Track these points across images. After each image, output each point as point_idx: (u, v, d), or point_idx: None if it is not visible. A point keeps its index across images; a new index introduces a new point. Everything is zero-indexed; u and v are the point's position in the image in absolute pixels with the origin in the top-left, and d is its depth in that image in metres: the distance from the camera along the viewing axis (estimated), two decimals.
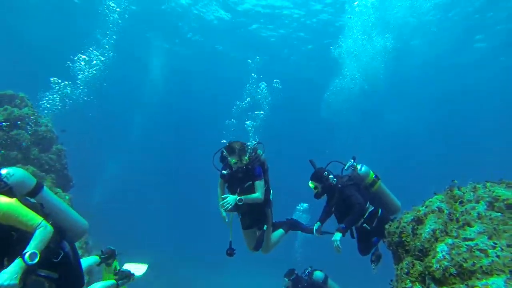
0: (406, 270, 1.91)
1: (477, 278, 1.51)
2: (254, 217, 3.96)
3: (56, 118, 7.35)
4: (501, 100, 19.26)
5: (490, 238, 1.69)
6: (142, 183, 27.11)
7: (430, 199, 2.37)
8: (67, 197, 6.38)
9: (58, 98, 7.11)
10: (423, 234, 1.98)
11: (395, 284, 2.03)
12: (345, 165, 3.90)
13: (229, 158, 3.60)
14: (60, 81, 7.24)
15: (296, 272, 5.13)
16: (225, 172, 3.75)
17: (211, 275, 14.87)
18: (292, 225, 4.45)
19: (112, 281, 2.90)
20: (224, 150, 3.68)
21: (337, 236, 3.48)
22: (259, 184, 3.71)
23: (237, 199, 3.56)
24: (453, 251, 1.71)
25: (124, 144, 26.05)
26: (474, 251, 1.65)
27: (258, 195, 3.67)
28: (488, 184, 2.28)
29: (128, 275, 3.19)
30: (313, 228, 4.23)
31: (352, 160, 3.92)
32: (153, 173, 28.20)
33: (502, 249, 1.58)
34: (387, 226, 2.45)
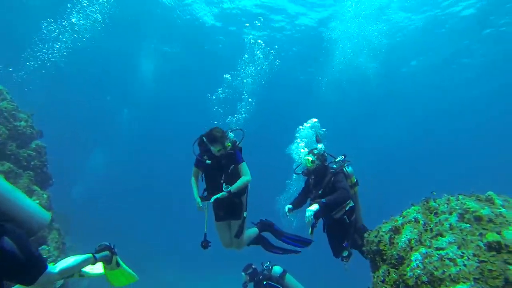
0: (382, 278, 2.00)
1: (446, 286, 1.61)
2: (229, 207, 3.78)
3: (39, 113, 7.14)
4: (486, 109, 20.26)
5: (459, 248, 1.81)
6: (125, 180, 26.57)
7: (408, 210, 2.49)
8: (45, 195, 6.17)
9: None
10: (399, 244, 2.09)
11: None
12: (336, 159, 3.99)
13: (212, 148, 3.50)
14: None
15: (253, 266, 5.13)
16: (209, 161, 3.63)
17: (188, 274, 14.70)
18: (265, 225, 4.37)
19: (88, 255, 2.59)
20: (204, 138, 3.55)
21: (315, 208, 3.36)
22: (244, 166, 3.66)
23: (227, 191, 3.45)
24: (426, 260, 1.81)
25: (109, 140, 25.53)
26: (444, 260, 1.76)
27: (246, 177, 3.62)
28: (460, 196, 2.43)
29: (108, 248, 2.77)
30: (282, 231, 4.25)
31: (343, 157, 4.04)
32: (137, 170, 27.71)
33: (468, 258, 1.69)
34: (366, 235, 2.55)
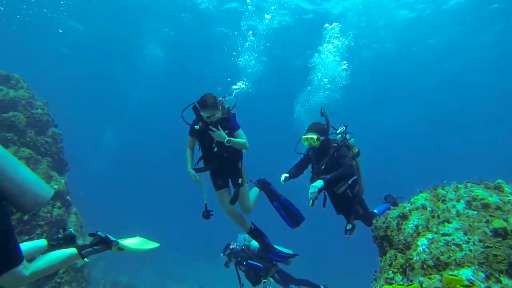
0: (389, 262, 2.08)
1: (451, 270, 1.68)
2: (227, 174, 3.78)
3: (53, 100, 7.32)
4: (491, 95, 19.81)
5: (465, 234, 1.86)
6: (136, 159, 27.14)
7: (415, 197, 2.54)
8: (62, 180, 6.42)
9: None
10: (406, 229, 2.15)
11: (378, 275, 2.21)
12: (337, 130, 3.97)
13: (202, 113, 3.38)
14: None
15: (231, 246, 5.09)
16: (197, 126, 3.51)
17: (199, 263, 15.20)
18: (264, 184, 4.33)
19: (71, 251, 2.28)
20: (196, 103, 3.45)
21: (318, 183, 3.32)
22: (241, 132, 3.57)
23: (226, 139, 3.35)
24: (432, 245, 1.88)
25: (120, 120, 25.90)
26: (450, 245, 1.82)
27: (244, 141, 3.54)
28: (468, 184, 2.46)
29: (102, 241, 2.45)
30: (278, 194, 4.19)
31: (344, 127, 4.02)
32: (148, 150, 28.27)
33: (474, 244, 1.75)
34: (374, 221, 2.63)
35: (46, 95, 7.14)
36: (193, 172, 3.59)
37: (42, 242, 2.47)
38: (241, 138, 3.58)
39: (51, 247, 2.43)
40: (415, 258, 1.89)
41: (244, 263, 4.92)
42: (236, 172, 3.77)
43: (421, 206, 2.33)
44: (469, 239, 1.80)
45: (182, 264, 14.41)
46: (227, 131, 3.50)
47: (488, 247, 1.70)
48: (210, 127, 3.39)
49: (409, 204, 2.49)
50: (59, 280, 5.38)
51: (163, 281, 13.06)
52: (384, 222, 2.46)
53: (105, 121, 25.50)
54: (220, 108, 3.49)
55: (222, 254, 5.12)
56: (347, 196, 3.81)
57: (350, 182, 3.81)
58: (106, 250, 2.52)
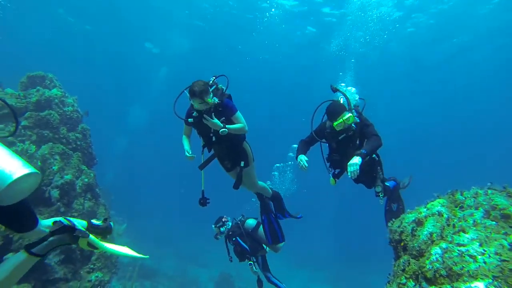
0: (402, 267, 2.12)
1: (463, 281, 1.70)
2: (233, 157, 3.78)
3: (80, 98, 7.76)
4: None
5: (481, 245, 1.86)
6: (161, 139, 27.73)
7: (432, 202, 2.53)
8: (91, 174, 6.86)
9: None
10: (421, 236, 2.17)
11: (391, 278, 2.26)
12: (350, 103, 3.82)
13: (191, 101, 3.31)
14: None
15: (223, 219, 5.18)
16: (194, 114, 3.41)
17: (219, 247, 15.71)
18: (276, 197, 4.44)
19: (20, 256, 1.88)
20: (187, 92, 3.33)
21: (358, 160, 3.27)
22: (238, 115, 3.47)
23: (221, 131, 3.25)
24: (446, 255, 1.90)
25: (146, 97, 26.39)
26: (464, 256, 1.83)
27: (242, 125, 3.44)
28: (489, 191, 2.41)
29: (62, 229, 1.99)
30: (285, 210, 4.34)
31: (357, 98, 4.06)
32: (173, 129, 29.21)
33: (489, 256, 1.75)
34: (389, 224, 2.65)
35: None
36: (189, 154, 3.50)
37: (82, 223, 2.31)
38: (238, 122, 3.45)
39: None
40: (428, 267, 1.92)
41: (234, 239, 5.01)
42: (241, 154, 3.77)
43: (437, 212, 2.33)
44: (485, 250, 1.80)
45: (203, 248, 15.01)
46: (223, 118, 3.40)
47: (504, 260, 1.70)
48: (204, 115, 3.28)
49: (425, 209, 2.48)
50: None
51: (185, 265, 13.69)
52: (399, 226, 2.48)
53: (129, 100, 25.97)
54: (211, 94, 3.33)
55: (213, 226, 5.22)
56: (374, 162, 3.82)
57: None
58: (69, 243, 2.09)
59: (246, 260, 4.99)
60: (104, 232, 2.49)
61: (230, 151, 3.76)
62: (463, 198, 2.45)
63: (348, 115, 3.54)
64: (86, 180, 6.38)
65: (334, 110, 3.60)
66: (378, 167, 3.89)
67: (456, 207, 2.39)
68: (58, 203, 5.59)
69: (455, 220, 2.16)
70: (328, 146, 4.01)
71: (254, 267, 4.94)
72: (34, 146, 5.79)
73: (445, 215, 2.28)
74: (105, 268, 6.21)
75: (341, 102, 3.78)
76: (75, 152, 6.76)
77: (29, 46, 22.10)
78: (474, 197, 2.40)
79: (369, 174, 3.88)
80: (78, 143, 6.98)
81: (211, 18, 16.62)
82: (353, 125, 3.63)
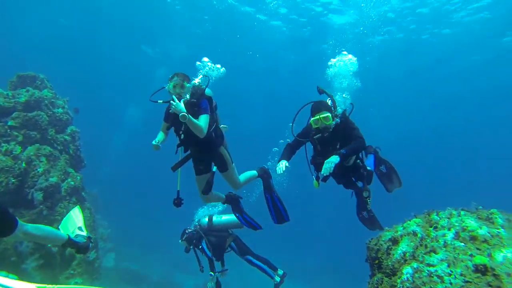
0: (375, 285, 2.18)
1: None
2: (208, 160, 3.74)
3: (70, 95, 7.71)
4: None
5: (449, 266, 1.94)
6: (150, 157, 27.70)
7: (409, 221, 2.61)
8: (78, 177, 6.79)
9: None
10: (394, 255, 2.24)
11: None
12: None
13: (169, 84, 3.34)
14: None
15: (187, 231, 5.23)
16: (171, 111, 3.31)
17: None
18: (265, 174, 4.35)
19: (64, 235, 2.34)
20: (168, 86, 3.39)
21: (335, 158, 3.23)
22: (204, 117, 3.40)
23: (181, 115, 3.16)
24: (416, 275, 1.97)
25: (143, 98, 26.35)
26: (433, 277, 1.90)
27: (202, 126, 3.33)
28: (462, 212, 2.50)
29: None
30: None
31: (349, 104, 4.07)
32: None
33: (455, 277, 1.83)
34: (367, 241, 2.72)
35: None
36: (155, 142, 3.40)
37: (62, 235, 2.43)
38: (201, 120, 3.39)
39: (63, 246, 2.42)
40: (399, 286, 1.98)
41: (200, 246, 5.07)
42: (216, 158, 3.74)
43: (412, 232, 2.40)
44: (452, 271, 1.88)
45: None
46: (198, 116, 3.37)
47: (467, 281, 1.78)
48: (173, 97, 3.26)
49: (401, 228, 2.56)
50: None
51: (172, 271, 13.45)
52: (376, 244, 2.55)
53: (127, 99, 25.77)
54: (189, 87, 3.40)
55: (180, 241, 5.24)
56: (357, 167, 3.83)
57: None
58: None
59: (209, 275, 5.04)
60: (80, 251, 2.54)
61: (204, 154, 3.71)
62: (438, 219, 2.53)
63: (326, 114, 3.52)
64: (72, 183, 6.32)
65: (316, 107, 3.62)
66: (362, 169, 3.89)
67: (431, 227, 2.47)
68: (41, 206, 5.51)
69: (427, 240, 2.24)
70: (313, 149, 3.97)
71: (211, 283, 4.96)
72: (20, 147, 5.73)
73: (419, 235, 2.36)
74: (86, 274, 6.10)
75: (329, 103, 3.74)
76: (62, 155, 6.70)
77: (27, 47, 21.94)
78: (448, 218, 2.49)
79: (356, 178, 3.94)
80: (66, 145, 6.93)
81: (210, 26, 16.82)
82: (332, 126, 3.58)
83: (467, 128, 24.00)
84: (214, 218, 5.20)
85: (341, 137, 3.66)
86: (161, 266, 13.67)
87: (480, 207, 2.58)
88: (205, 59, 3.92)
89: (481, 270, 1.79)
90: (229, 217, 5.12)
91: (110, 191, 16.36)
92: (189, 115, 3.24)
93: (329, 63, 4.58)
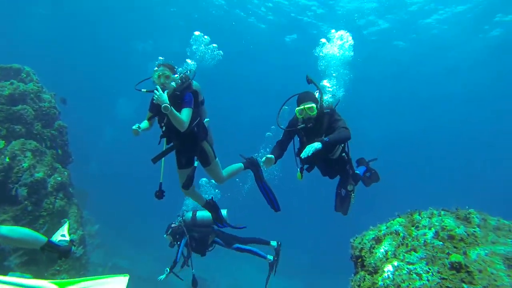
0: (358, 283, 2.26)
1: None
2: (190, 154, 3.74)
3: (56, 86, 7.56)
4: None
5: (427, 264, 2.03)
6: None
7: (392, 221, 2.70)
8: (65, 172, 6.68)
9: None
10: (377, 254, 2.32)
11: None
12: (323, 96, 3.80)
13: (155, 74, 3.33)
14: None
15: (171, 225, 5.32)
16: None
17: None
18: (252, 163, 4.30)
19: (43, 239, 2.29)
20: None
21: (316, 144, 3.19)
22: (186, 110, 3.37)
23: (163, 105, 3.14)
24: (396, 272, 2.05)
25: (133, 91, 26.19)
26: (412, 274, 1.99)
27: (184, 118, 3.30)
28: (442, 212, 2.61)
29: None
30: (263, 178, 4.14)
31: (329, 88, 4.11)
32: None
33: (433, 274, 1.92)
34: (351, 240, 2.80)
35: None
36: (136, 128, 3.35)
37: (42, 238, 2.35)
38: (183, 114, 3.35)
39: (42, 250, 2.35)
40: (380, 283, 2.06)
41: (178, 242, 5.17)
42: (198, 153, 3.70)
43: (395, 231, 2.49)
44: (429, 269, 1.97)
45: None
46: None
47: (443, 278, 1.86)
48: (157, 86, 3.24)
49: (385, 227, 2.64)
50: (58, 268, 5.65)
51: (162, 267, 13.41)
52: (360, 243, 2.63)
53: (115, 91, 25.38)
54: (174, 78, 3.39)
55: (165, 235, 5.29)
56: (343, 160, 3.84)
57: (342, 145, 3.82)
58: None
59: (209, 250, 5.17)
60: (61, 255, 2.47)
61: (186, 147, 3.68)
62: (420, 218, 2.63)
63: (311, 104, 3.50)
64: (59, 178, 6.22)
65: (302, 97, 3.61)
66: (348, 166, 3.96)
67: (413, 226, 2.57)
68: (26, 202, 5.41)
69: (409, 240, 2.33)
70: (299, 142, 3.95)
71: (163, 276, 5.09)
72: (3, 141, 5.59)
73: (401, 234, 2.45)
74: (73, 270, 6.04)
75: (317, 95, 3.74)
76: (49, 150, 6.58)
77: (25, 46, 21.33)
78: (429, 218, 2.59)
79: (338, 172, 3.97)
80: (54, 140, 6.80)
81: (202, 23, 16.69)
82: (314, 117, 3.55)
83: (464, 127, 24.52)
84: (198, 214, 5.22)
85: (326, 128, 3.65)
86: (150, 262, 13.60)
87: (459, 207, 2.70)
88: (197, 33, 3.83)
89: (456, 267, 1.88)
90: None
91: (99, 185, 16.14)
92: (171, 107, 3.20)
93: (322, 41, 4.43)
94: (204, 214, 5.21)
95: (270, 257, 5.23)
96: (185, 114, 3.37)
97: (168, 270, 5.13)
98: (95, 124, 26.10)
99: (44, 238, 2.31)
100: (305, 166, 3.97)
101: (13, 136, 5.90)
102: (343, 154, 3.88)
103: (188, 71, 3.66)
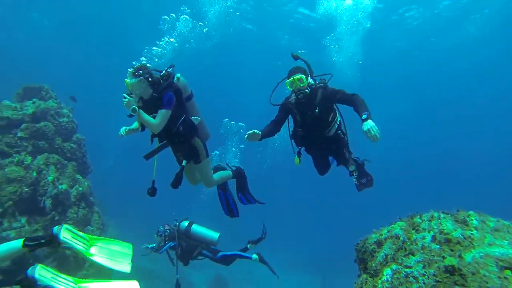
0: (360, 285, 2.42)
1: None
2: (184, 152, 3.77)
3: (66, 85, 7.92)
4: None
5: (424, 267, 2.16)
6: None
7: (393, 225, 2.83)
8: (86, 183, 7.09)
9: None
10: (378, 257, 2.47)
11: None
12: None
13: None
14: None
15: (165, 229, 5.43)
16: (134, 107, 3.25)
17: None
18: (239, 173, 4.42)
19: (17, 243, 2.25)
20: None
21: (371, 122, 3.11)
22: (161, 112, 3.36)
23: (132, 107, 3.18)
24: (395, 276, 2.20)
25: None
26: (409, 277, 2.13)
27: (154, 121, 3.33)
28: (442, 215, 2.72)
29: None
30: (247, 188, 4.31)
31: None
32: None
33: (428, 277, 2.06)
34: (355, 244, 2.95)
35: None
36: (121, 132, 3.50)
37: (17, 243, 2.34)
38: (157, 116, 3.36)
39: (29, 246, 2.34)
40: (379, 286, 2.21)
41: (165, 242, 5.29)
42: (188, 150, 3.74)
43: (395, 235, 2.63)
44: (426, 272, 2.11)
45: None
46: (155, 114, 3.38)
47: (438, 281, 2.00)
48: (124, 94, 3.27)
49: (386, 231, 2.78)
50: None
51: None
52: (363, 247, 2.78)
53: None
54: (146, 82, 3.34)
55: (155, 236, 5.45)
56: (339, 138, 3.78)
57: (338, 122, 3.77)
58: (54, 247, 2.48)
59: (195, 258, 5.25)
60: (46, 242, 2.41)
61: (177, 146, 3.77)
62: (420, 221, 2.74)
63: (300, 75, 3.49)
64: (80, 189, 6.61)
65: (291, 70, 3.62)
66: (345, 149, 3.88)
67: (413, 229, 2.69)
68: (53, 213, 5.81)
69: (408, 243, 2.46)
70: (293, 121, 3.91)
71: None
72: (30, 157, 6.01)
73: (401, 238, 2.59)
74: (99, 274, 6.43)
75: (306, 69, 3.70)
76: (70, 162, 6.98)
77: (26, 51, 22.19)
78: (429, 221, 2.70)
79: (335, 153, 3.89)
80: (73, 152, 7.20)
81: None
82: (307, 90, 3.54)
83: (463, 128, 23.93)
84: (193, 226, 5.31)
85: (319, 102, 3.60)
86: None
87: (461, 209, 2.80)
88: (171, 14, 3.73)
89: (450, 270, 2.01)
90: (207, 232, 5.28)
91: (115, 187, 16.62)
92: (140, 110, 3.23)
93: None
94: (199, 229, 5.32)
95: (255, 256, 5.28)
96: (159, 116, 3.37)
97: (149, 248, 5.33)
98: (104, 121, 26.75)
99: (19, 241, 2.32)
100: (302, 149, 3.98)
101: (38, 151, 6.32)
102: (339, 131, 3.82)
103: (170, 68, 3.66)
